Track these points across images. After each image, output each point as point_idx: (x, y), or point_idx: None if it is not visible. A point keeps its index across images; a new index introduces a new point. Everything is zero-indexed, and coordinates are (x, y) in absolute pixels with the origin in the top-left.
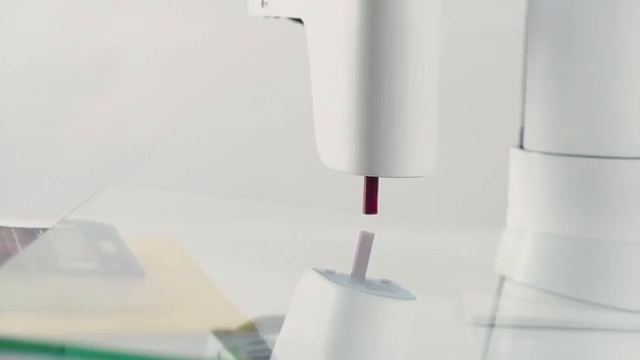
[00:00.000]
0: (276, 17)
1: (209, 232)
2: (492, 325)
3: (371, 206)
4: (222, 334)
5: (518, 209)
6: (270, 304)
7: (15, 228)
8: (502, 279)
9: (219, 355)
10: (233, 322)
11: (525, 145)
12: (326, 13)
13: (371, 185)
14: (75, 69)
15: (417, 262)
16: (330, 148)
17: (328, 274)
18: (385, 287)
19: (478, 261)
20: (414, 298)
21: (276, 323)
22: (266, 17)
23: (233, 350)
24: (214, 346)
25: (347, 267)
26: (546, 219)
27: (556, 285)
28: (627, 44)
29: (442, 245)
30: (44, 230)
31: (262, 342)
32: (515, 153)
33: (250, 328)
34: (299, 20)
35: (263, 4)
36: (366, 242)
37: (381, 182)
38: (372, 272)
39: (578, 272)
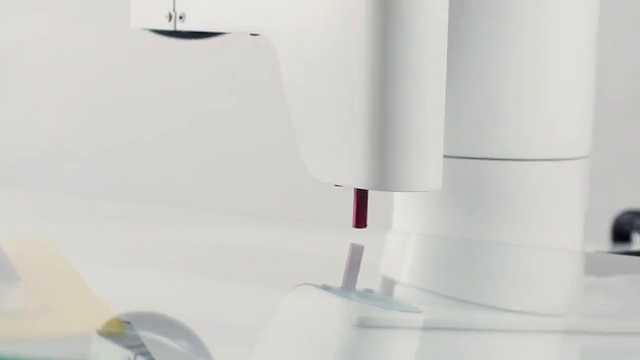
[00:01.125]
0: (188, 33)
1: (94, 236)
2: (377, 327)
3: (361, 220)
4: (104, 335)
5: (403, 211)
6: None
7: None
8: (387, 280)
9: None
10: (108, 323)
11: None
12: (316, 25)
13: (361, 199)
14: None
15: (302, 263)
16: (330, 163)
17: (325, 287)
18: (369, 295)
19: (364, 262)
20: (420, 311)
21: (152, 322)
22: (147, 30)
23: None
24: (95, 348)
25: (320, 278)
26: (429, 221)
27: (439, 286)
28: (502, 52)
29: (326, 246)
30: None
31: (142, 345)
32: None
33: (127, 329)
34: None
35: (172, 18)
36: (355, 254)
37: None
38: (241, 269)
39: (460, 273)
